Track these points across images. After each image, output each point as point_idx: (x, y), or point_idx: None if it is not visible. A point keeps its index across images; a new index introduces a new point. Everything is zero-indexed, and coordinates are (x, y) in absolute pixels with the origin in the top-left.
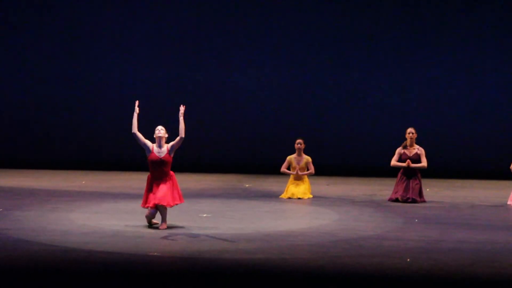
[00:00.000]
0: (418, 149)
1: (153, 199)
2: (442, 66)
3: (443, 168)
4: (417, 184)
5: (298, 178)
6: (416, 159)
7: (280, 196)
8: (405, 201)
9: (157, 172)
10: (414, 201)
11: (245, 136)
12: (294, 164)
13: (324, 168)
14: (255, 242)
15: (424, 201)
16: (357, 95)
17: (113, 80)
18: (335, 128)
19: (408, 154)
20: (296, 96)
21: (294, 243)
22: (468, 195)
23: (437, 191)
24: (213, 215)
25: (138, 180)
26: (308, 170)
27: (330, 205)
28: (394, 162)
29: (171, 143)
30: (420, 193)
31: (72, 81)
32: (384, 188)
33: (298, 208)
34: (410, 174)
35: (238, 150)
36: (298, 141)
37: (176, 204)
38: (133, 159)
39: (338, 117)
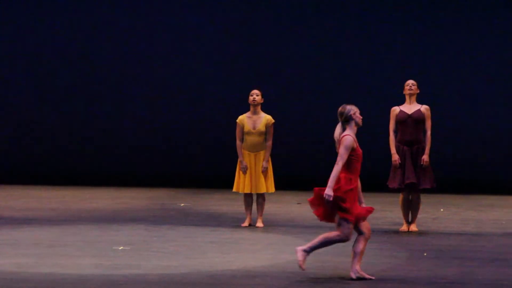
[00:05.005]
0: (421, 107)
1: None
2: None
3: (465, 180)
4: (424, 162)
5: (256, 145)
6: (418, 118)
7: (234, 190)
8: (411, 187)
9: None
10: (420, 188)
11: (180, 134)
12: (248, 127)
13: (295, 180)
14: (194, 287)
15: (433, 186)
16: (345, 83)
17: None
18: (311, 128)
19: (407, 112)
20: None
21: (250, 287)
22: (501, 217)
23: (456, 212)
24: (134, 248)
25: (51, 199)
26: (266, 141)
27: (303, 233)
28: (391, 131)
29: None
30: (431, 176)
31: None
32: (379, 209)
33: (256, 237)
34: (412, 143)
35: (169, 154)
36: (253, 92)
37: None
38: (36, 166)
39: (313, 112)
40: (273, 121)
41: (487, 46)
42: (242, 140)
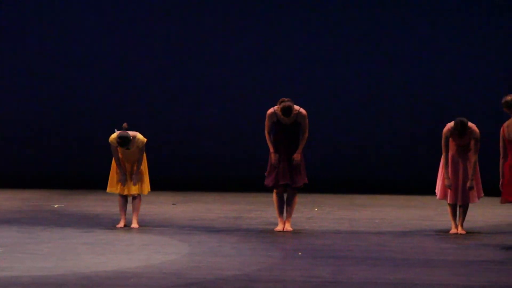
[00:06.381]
0: (297, 114)
1: None
2: None
3: (339, 179)
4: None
5: (133, 161)
6: (295, 126)
7: (108, 190)
8: (284, 187)
9: None
10: (294, 186)
11: (54, 134)
12: (121, 152)
13: (167, 180)
14: None
15: (305, 183)
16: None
17: None
18: (186, 128)
19: (283, 123)
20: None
21: None
22: (374, 216)
23: (329, 212)
24: (7, 250)
25: None
26: (138, 162)
27: (178, 233)
28: (267, 132)
29: None
30: (303, 174)
31: None
32: (254, 208)
33: (131, 238)
34: (289, 141)
35: (42, 154)
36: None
37: None
38: None
39: (190, 109)
40: (144, 141)
41: (369, 42)
42: (118, 157)
